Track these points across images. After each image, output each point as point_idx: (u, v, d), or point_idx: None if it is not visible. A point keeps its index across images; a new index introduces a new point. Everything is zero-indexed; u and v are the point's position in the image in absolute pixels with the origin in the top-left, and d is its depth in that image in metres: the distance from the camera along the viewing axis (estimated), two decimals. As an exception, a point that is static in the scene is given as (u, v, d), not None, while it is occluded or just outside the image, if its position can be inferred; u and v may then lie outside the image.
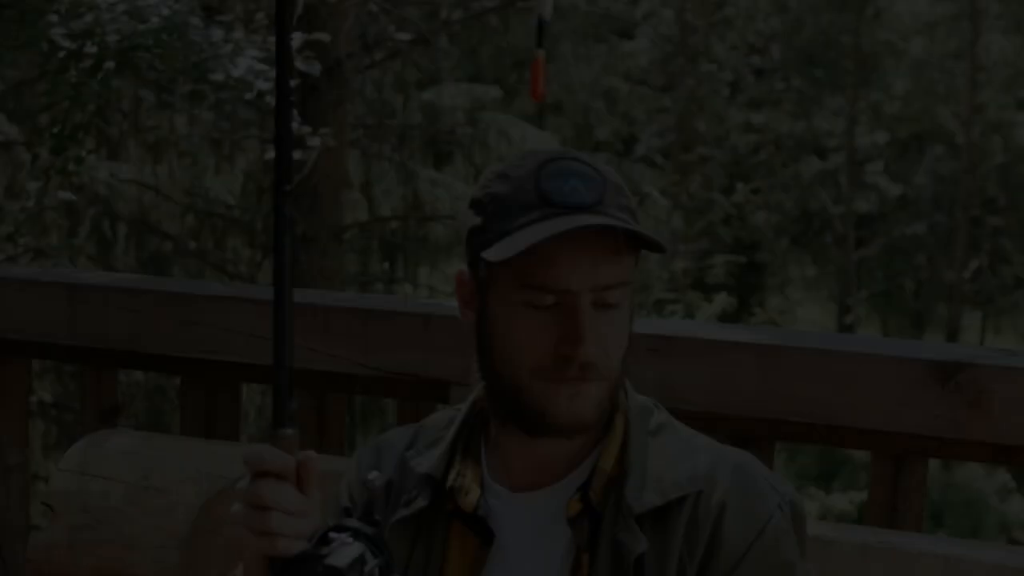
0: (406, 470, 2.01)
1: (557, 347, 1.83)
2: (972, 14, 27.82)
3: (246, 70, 5.15)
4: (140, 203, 12.81)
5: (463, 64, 15.33)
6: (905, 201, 28.90)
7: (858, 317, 28.71)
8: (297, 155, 6.18)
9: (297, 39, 5.72)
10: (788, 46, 29.49)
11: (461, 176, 13.84)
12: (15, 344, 3.38)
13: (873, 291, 29.58)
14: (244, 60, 5.18)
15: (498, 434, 1.95)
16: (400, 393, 3.06)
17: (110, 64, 4.79)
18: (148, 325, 3.21)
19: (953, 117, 29.12)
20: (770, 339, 2.74)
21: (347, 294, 3.48)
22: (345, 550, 1.61)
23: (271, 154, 5.51)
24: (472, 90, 15.34)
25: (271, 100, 5.19)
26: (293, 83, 5.08)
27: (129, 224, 12.74)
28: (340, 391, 3.15)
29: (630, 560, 1.84)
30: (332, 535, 1.64)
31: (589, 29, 23.98)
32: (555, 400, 1.85)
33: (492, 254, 1.82)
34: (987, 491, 22.31)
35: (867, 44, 28.78)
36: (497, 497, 1.94)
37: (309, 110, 9.20)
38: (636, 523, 1.85)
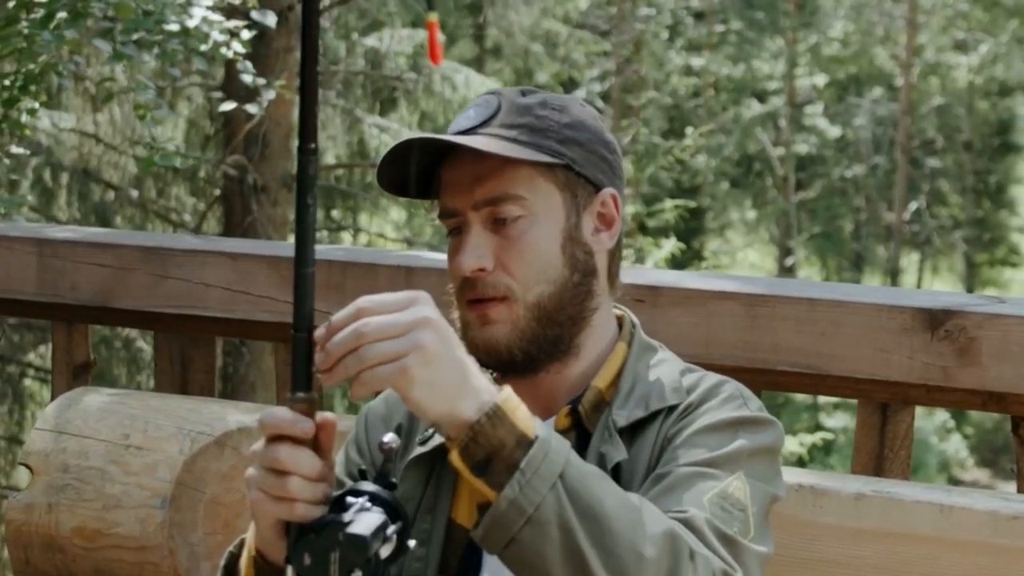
0: None
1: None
2: (910, -44, 27.88)
3: (200, 20, 5.07)
4: (81, 152, 12.66)
5: (406, 8, 15.17)
6: (844, 143, 29.05)
7: (798, 259, 28.88)
8: (253, 108, 6.11)
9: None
10: (727, -12, 29.49)
11: (406, 122, 13.76)
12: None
13: (813, 233, 29.73)
14: (198, 10, 5.10)
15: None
16: (381, 346, 3.02)
17: (62, 15, 4.71)
18: (121, 280, 3.16)
19: (891, 59, 29.24)
20: (757, 288, 2.73)
21: (325, 246, 3.43)
22: (366, 517, 1.58)
23: (225, 105, 5.40)
24: (415, 35, 15.22)
25: (226, 51, 5.13)
26: (249, 34, 4.97)
27: (71, 174, 12.59)
28: (319, 345, 3.10)
29: (608, 469, 1.86)
30: (349, 499, 1.62)
31: (528, -28, 23.83)
32: (470, 325, 1.92)
33: None
34: (927, 430, 22.56)
35: (806, -14, 28.84)
36: None
37: (260, 56, 9.11)
38: (619, 435, 1.89)
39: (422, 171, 1.97)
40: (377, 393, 2.14)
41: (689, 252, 20.95)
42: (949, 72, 29.26)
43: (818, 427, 20.20)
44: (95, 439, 2.77)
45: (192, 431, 2.74)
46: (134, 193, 12.76)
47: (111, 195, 12.84)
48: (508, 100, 1.95)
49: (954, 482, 22.74)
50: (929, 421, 22.59)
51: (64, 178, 12.60)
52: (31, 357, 11.93)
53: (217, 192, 12.47)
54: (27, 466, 2.80)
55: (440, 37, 2.64)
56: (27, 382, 12.15)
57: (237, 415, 2.76)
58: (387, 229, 16.08)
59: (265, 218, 10.83)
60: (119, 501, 2.73)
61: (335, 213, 14.17)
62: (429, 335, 1.58)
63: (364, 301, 1.60)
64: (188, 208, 13.19)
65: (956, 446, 23.86)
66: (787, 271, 28.03)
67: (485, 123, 1.92)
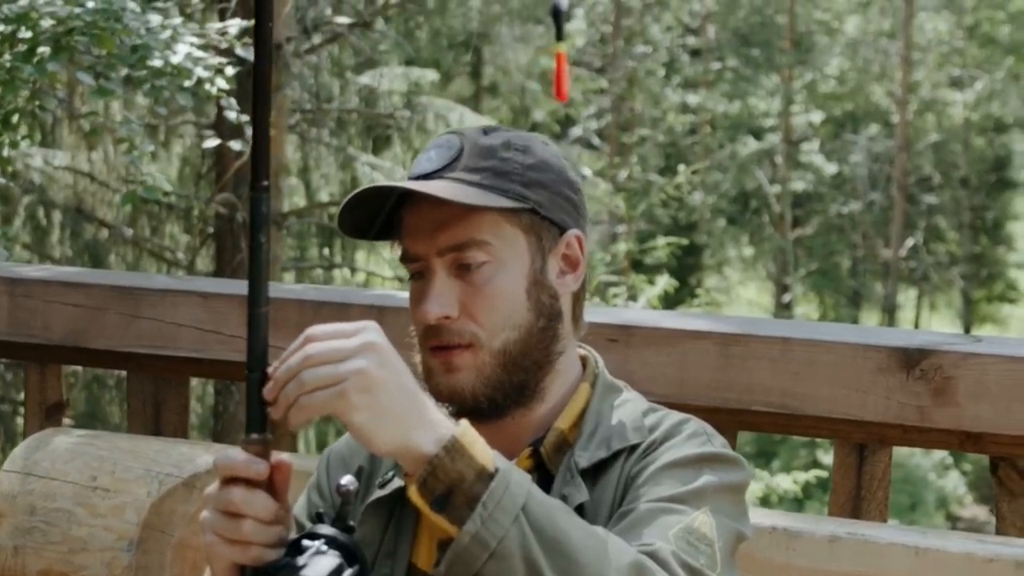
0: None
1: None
2: (905, -7, 27.97)
3: (184, 57, 5.06)
4: (75, 190, 12.66)
5: (399, 47, 15.21)
6: (841, 180, 29.07)
7: (795, 296, 28.86)
8: (237, 145, 6.09)
9: (235, 26, 5.64)
10: (723, 26, 29.58)
11: (399, 160, 13.75)
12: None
13: (810, 270, 29.74)
14: (182, 47, 5.09)
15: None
16: (353, 387, 2.99)
17: (45, 49, 4.70)
18: (93, 319, 3.12)
19: (887, 96, 29.30)
20: (731, 328, 2.70)
21: (297, 286, 3.40)
22: (321, 560, 1.55)
23: (210, 141, 5.43)
24: (409, 73, 15.24)
25: (210, 88, 5.12)
26: (232, 71, 4.97)
27: (64, 212, 12.58)
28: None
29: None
30: (305, 543, 1.59)
31: (525, 10, 23.93)
32: (435, 371, 1.88)
33: None
34: (925, 467, 22.51)
35: (802, 23, 28.93)
36: None
37: (248, 94, 9.07)
38: (581, 477, 1.86)
39: (384, 212, 1.94)
40: (341, 432, 2.10)
41: (684, 289, 20.95)
42: (945, 109, 29.32)
43: (814, 464, 20.13)
44: (62, 481, 2.74)
45: (160, 473, 2.71)
46: (128, 231, 12.74)
47: (104, 233, 12.83)
48: (471, 141, 1.90)
49: (952, 519, 22.68)
50: (927, 458, 22.54)
51: (57, 216, 12.58)
52: (23, 396, 11.88)
53: (210, 230, 12.45)
54: (-8, 509, 2.76)
55: (567, 71, 2.52)
56: (19, 420, 12.10)
57: (206, 456, 2.72)
58: (383, 267, 16.04)
59: (256, 256, 10.79)
60: (86, 544, 2.69)
61: (327, 251, 14.13)
62: (371, 360, 1.55)
63: (313, 329, 1.58)
64: (182, 246, 13.18)
65: (954, 483, 23.79)
66: (784, 308, 28.01)
67: (448, 166, 1.87)
